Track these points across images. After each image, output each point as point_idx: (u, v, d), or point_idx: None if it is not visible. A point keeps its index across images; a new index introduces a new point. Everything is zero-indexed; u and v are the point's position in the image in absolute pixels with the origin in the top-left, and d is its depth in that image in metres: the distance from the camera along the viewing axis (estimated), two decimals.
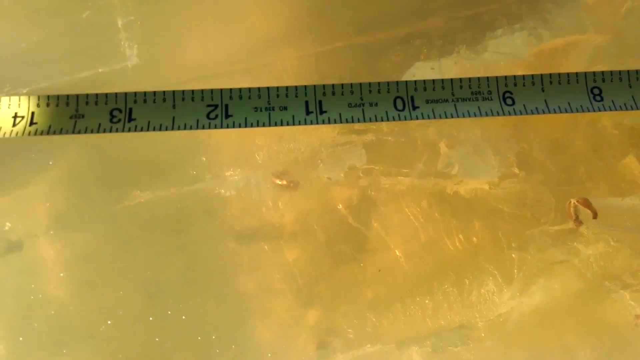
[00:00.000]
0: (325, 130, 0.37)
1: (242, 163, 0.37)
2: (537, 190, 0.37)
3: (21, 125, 0.27)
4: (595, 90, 0.31)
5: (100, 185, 0.37)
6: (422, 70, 0.37)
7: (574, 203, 0.36)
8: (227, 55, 0.38)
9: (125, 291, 0.36)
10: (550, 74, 0.31)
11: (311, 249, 0.37)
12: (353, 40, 0.38)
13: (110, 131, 0.27)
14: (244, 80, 0.37)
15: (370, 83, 0.30)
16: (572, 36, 0.38)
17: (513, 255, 0.36)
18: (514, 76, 0.30)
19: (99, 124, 0.28)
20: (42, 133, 0.26)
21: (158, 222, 0.36)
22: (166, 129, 0.28)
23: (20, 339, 0.35)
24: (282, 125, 0.29)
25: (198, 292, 0.36)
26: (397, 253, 0.37)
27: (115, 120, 0.28)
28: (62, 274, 0.36)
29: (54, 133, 0.27)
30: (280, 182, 0.37)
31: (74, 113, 0.28)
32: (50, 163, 0.36)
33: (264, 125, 0.28)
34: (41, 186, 0.36)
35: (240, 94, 0.29)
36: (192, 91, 0.29)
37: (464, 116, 0.30)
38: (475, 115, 0.29)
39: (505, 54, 0.38)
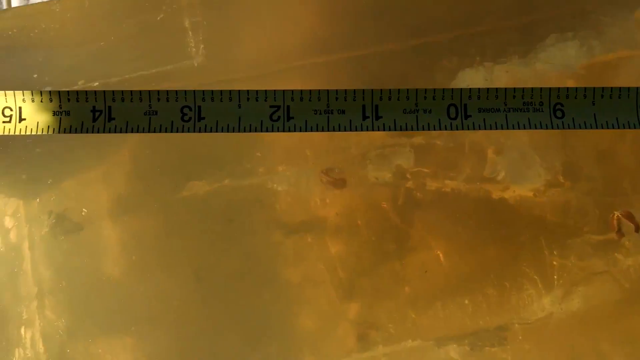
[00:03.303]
0: (376, 132, 0.38)
1: (294, 159, 0.39)
2: (581, 200, 0.38)
3: (100, 120, 0.29)
4: None
5: (160, 173, 0.39)
6: (473, 79, 0.38)
7: (617, 215, 0.37)
8: (284, 54, 0.39)
9: (177, 276, 0.38)
10: (603, 88, 0.31)
11: (354, 244, 0.38)
12: (406, 43, 0.40)
13: (183, 130, 0.29)
14: (299, 79, 0.39)
15: (425, 89, 0.31)
16: (624, 51, 0.38)
17: (554, 262, 0.37)
18: (567, 88, 0.31)
19: (172, 122, 0.30)
20: (121, 130, 0.29)
21: (211, 212, 0.38)
22: (233, 130, 0.30)
23: (80, 315, 0.37)
24: (339, 130, 0.30)
25: (245, 280, 0.38)
26: (439, 253, 0.38)
27: (186, 118, 0.30)
28: (121, 257, 0.38)
29: (132, 131, 0.29)
30: (328, 179, 0.39)
31: (147, 109, 0.30)
32: (114, 149, 0.38)
33: (322, 129, 0.30)
34: (104, 171, 0.39)
35: (302, 95, 0.30)
36: (257, 91, 0.30)
37: (513, 128, 0.31)
38: (524, 128, 0.30)
39: (557, 64, 0.39)
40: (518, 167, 0.38)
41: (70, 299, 0.38)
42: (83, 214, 0.38)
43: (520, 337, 0.37)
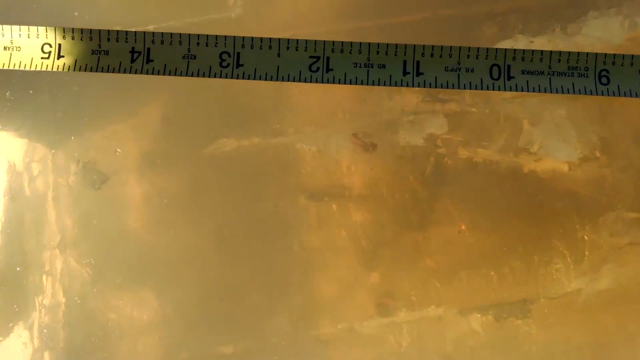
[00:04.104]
0: (409, 96, 0.38)
1: (324, 121, 0.38)
2: (616, 176, 0.37)
3: (139, 61, 0.29)
4: None
5: (188, 129, 0.38)
6: (517, 45, 0.38)
7: None
8: (320, 16, 0.39)
9: (199, 233, 0.38)
10: None
11: (378, 213, 0.38)
12: (445, 11, 0.39)
13: (221, 76, 0.29)
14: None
15: (469, 47, 0.30)
16: None
17: (585, 237, 0.37)
18: (613, 55, 0.30)
19: (210, 67, 0.29)
20: (158, 72, 0.28)
21: (237, 171, 0.38)
22: (271, 79, 0.29)
23: (101, 266, 0.37)
24: (379, 84, 0.30)
25: (267, 241, 0.38)
26: (464, 226, 0.38)
27: (224, 64, 0.29)
28: (144, 211, 0.38)
29: (169, 74, 0.28)
30: (358, 142, 0.38)
31: (186, 53, 0.29)
32: (144, 103, 0.38)
33: (362, 83, 0.29)
34: (133, 124, 0.39)
35: (342, 47, 0.30)
36: (297, 40, 0.30)
37: (556, 91, 0.30)
38: (568, 92, 0.30)
39: (599, 37, 0.38)
40: (554, 140, 0.37)
41: (92, 249, 0.38)
42: (105, 165, 0.38)
43: (545, 311, 0.37)
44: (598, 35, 0.38)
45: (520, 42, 0.37)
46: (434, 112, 0.38)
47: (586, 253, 0.37)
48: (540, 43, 0.37)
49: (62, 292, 0.37)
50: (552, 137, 0.37)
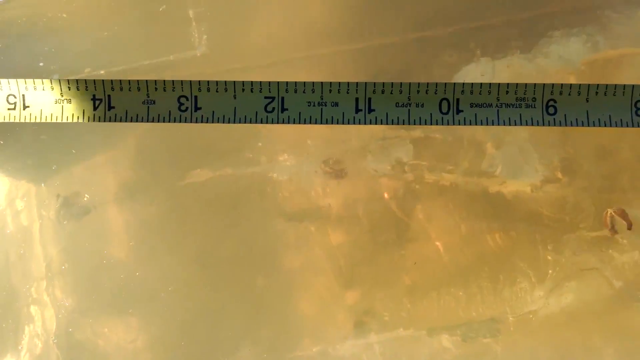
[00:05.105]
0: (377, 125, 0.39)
1: (295, 150, 0.40)
2: (578, 196, 0.38)
3: (101, 109, 0.30)
4: (639, 104, 0.31)
5: (165, 161, 0.40)
6: (474, 72, 0.38)
7: (610, 213, 0.37)
8: (287, 45, 0.40)
9: (182, 261, 0.39)
10: (598, 85, 0.31)
11: (355, 234, 0.39)
12: (408, 36, 0.40)
13: (180, 120, 0.30)
14: (301, 69, 0.40)
15: (419, 83, 0.31)
16: (628, 48, 0.38)
17: (548, 256, 0.38)
18: (561, 84, 0.31)
19: (169, 112, 0.31)
20: (121, 119, 0.30)
21: (215, 200, 0.40)
22: (229, 121, 0.31)
23: (87, 295, 0.39)
24: (332, 122, 0.31)
25: (248, 265, 0.39)
26: (437, 244, 0.39)
27: (183, 108, 0.31)
28: (126, 241, 0.39)
29: (131, 120, 0.30)
30: (329, 170, 0.39)
31: (145, 99, 0.31)
32: (120, 137, 0.40)
33: (315, 122, 0.31)
34: (112, 158, 0.40)
35: (296, 87, 0.31)
36: (251, 82, 0.31)
37: (504, 124, 0.31)
38: (515, 124, 0.31)
39: (560, 59, 0.39)
40: (516, 162, 0.38)
41: (78, 279, 0.39)
42: (86, 198, 0.39)
43: (512, 329, 0.37)
44: (560, 57, 0.39)
45: (477, 69, 0.38)
46: (401, 138, 0.39)
47: (549, 272, 0.38)
48: (500, 68, 0.38)
49: (50, 321, 0.39)
50: (514, 159, 0.38)
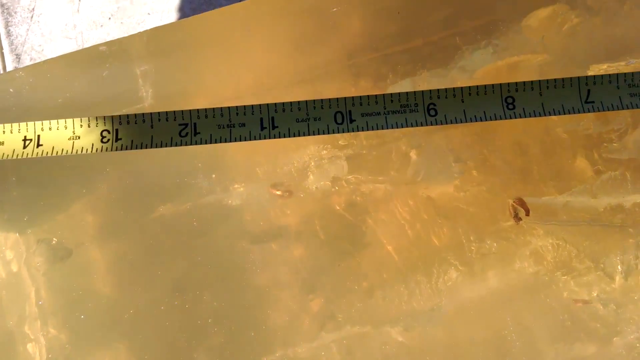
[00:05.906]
0: (314, 147, 0.43)
1: (246, 178, 0.43)
2: (494, 191, 0.42)
3: (30, 147, 0.34)
4: (509, 99, 0.36)
5: (133, 199, 0.43)
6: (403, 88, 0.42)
7: (511, 203, 0.41)
8: (224, 95, 0.44)
9: (157, 289, 0.42)
10: (470, 87, 0.36)
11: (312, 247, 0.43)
12: (342, 63, 0.44)
13: (102, 150, 0.34)
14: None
15: (314, 100, 0.35)
16: (524, 55, 0.43)
17: (472, 247, 0.41)
18: (437, 90, 0.35)
19: (92, 144, 0.34)
20: (47, 154, 0.33)
21: (181, 229, 0.43)
22: (146, 147, 0.34)
23: (77, 330, 0.42)
24: (241, 140, 0.35)
25: (218, 286, 0.42)
26: (389, 248, 0.42)
27: (105, 140, 0.35)
28: (107, 275, 0.42)
29: (57, 153, 0.33)
30: (277, 192, 0.43)
31: (71, 135, 0.35)
32: (92, 182, 0.43)
33: (225, 140, 0.34)
34: (89, 202, 0.43)
35: (206, 113, 0.35)
36: (166, 112, 0.35)
37: (392, 127, 0.35)
38: (402, 126, 0.35)
39: (468, 71, 0.43)
40: (435, 167, 0.42)
41: (69, 316, 0.42)
42: (63, 242, 0.42)
43: (450, 316, 0.41)
44: (468, 68, 0.43)
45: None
46: (336, 157, 0.43)
47: (475, 261, 0.41)
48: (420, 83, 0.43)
49: (47, 357, 0.41)
50: (433, 165, 0.42)
